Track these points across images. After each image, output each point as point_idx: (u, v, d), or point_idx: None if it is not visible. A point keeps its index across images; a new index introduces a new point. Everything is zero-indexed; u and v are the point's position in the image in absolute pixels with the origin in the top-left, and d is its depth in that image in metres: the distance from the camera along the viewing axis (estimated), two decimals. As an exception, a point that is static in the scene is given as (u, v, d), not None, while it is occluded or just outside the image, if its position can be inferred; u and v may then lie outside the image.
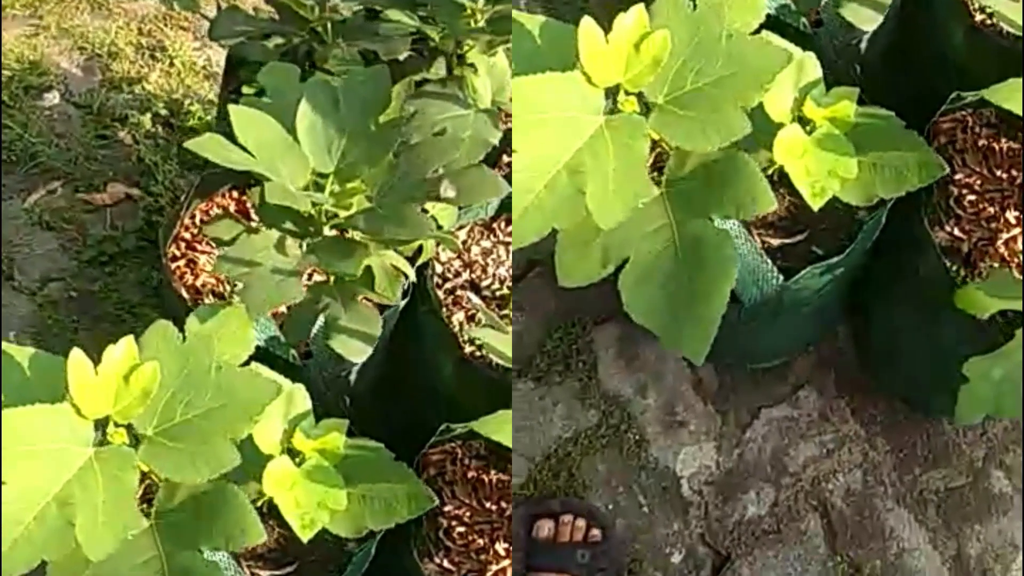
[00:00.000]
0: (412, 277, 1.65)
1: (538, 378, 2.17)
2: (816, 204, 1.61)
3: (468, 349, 1.90)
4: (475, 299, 1.91)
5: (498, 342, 1.73)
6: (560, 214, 1.54)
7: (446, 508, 1.86)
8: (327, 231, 1.58)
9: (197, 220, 2.09)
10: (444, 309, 1.91)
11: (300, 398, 1.55)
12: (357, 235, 1.56)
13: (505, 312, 1.94)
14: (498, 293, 1.97)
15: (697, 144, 1.53)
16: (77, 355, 1.37)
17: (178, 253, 2.01)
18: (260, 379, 1.42)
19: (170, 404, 1.39)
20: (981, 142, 1.95)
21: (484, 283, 1.99)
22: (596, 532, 2.01)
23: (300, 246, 1.58)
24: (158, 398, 1.40)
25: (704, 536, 2.07)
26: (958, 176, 1.94)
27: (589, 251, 1.56)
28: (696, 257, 1.55)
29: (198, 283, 2.00)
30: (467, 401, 1.89)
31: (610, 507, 2.08)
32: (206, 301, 1.99)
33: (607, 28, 1.58)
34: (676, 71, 1.57)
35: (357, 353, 1.56)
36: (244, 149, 1.53)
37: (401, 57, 1.97)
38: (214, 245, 2.05)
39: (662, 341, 1.60)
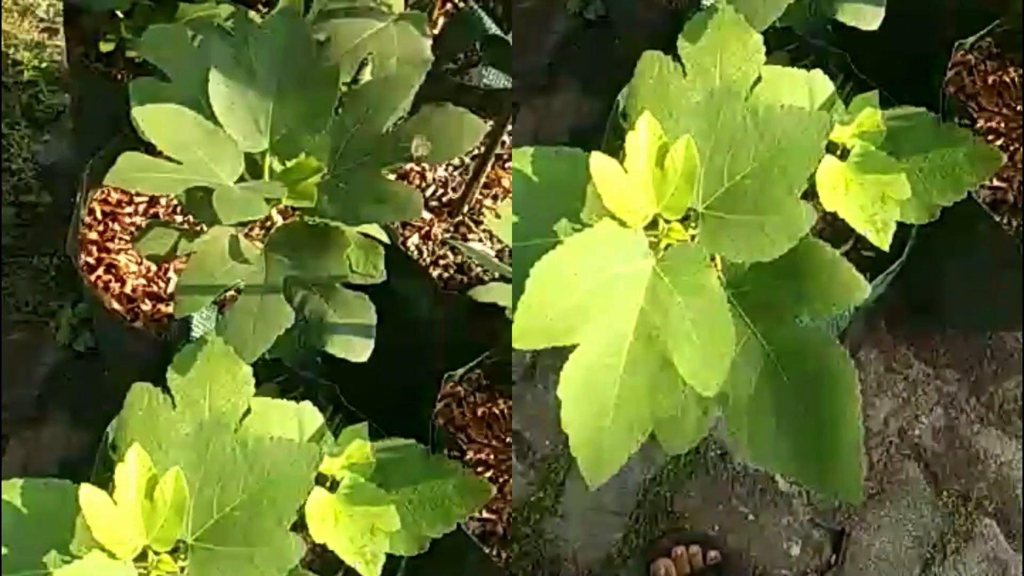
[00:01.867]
0: (386, 239, 1.41)
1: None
2: (884, 242, 1.38)
3: (437, 273, 1.70)
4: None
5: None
6: (658, 398, 1.26)
7: (467, 456, 1.69)
8: (277, 218, 1.33)
9: (99, 214, 1.82)
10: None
11: (310, 415, 1.33)
12: (315, 219, 1.31)
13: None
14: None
15: (764, 251, 1.23)
16: (89, 492, 1.11)
17: (92, 261, 1.74)
18: (294, 446, 1.18)
19: (200, 502, 1.15)
20: (991, 79, 1.77)
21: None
22: (713, 553, 1.95)
23: (256, 245, 1.34)
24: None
25: (814, 520, 2.03)
26: (979, 123, 1.75)
27: (686, 416, 1.28)
28: (803, 376, 1.28)
29: (127, 289, 1.75)
30: (456, 337, 1.70)
31: (717, 527, 2.02)
32: (143, 309, 1.75)
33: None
34: (705, 171, 1.29)
35: (360, 351, 1.33)
36: (169, 158, 1.26)
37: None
38: (129, 238, 1.80)
39: (806, 484, 1.38)
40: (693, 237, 1.29)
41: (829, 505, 2.03)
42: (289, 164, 1.34)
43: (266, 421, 1.26)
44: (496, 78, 1.94)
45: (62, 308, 2.26)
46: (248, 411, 1.26)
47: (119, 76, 1.94)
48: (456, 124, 1.30)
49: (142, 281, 1.75)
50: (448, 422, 1.73)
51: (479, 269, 1.92)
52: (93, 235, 1.78)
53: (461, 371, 1.72)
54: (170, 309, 1.73)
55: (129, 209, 1.83)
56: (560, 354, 1.30)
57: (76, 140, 2.25)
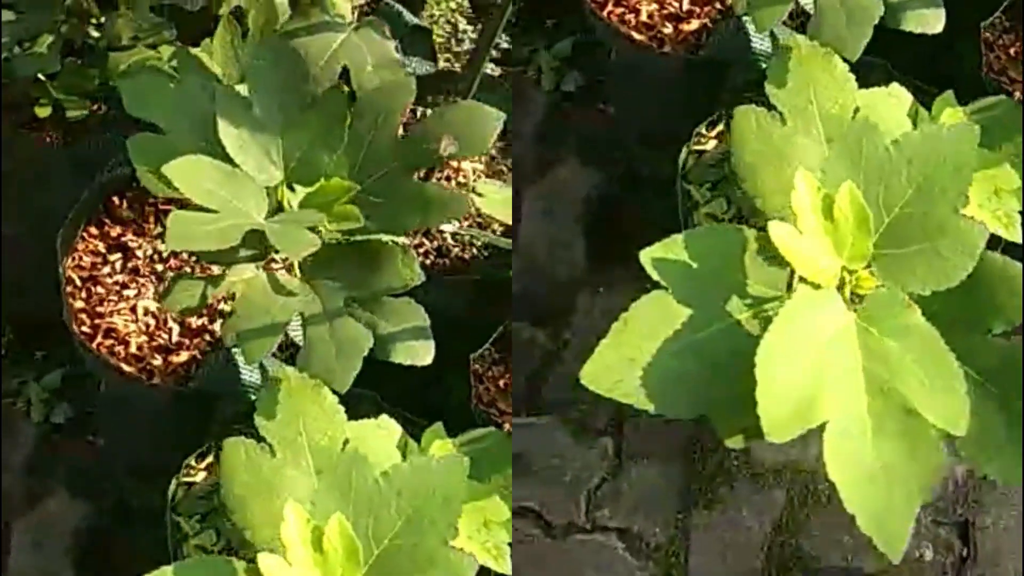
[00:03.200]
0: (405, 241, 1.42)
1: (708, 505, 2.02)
2: (1016, 234, 1.39)
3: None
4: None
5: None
6: (917, 457, 1.24)
7: (506, 427, 1.73)
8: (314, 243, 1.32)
9: (77, 280, 1.77)
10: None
11: (392, 428, 1.34)
12: (354, 236, 1.31)
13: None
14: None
15: (948, 275, 1.24)
16: (267, 559, 1.10)
17: (88, 330, 1.70)
18: (441, 463, 1.18)
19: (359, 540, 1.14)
20: (1013, 51, 1.81)
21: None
22: None
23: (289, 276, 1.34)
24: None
25: (936, 520, 1.99)
26: (1016, 96, 1.75)
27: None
28: (1010, 385, 1.28)
29: (133, 350, 1.71)
30: (463, 320, 1.72)
31: (850, 558, 1.97)
32: (155, 364, 1.72)
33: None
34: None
35: (424, 354, 1.34)
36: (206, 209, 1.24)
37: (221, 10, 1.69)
38: (117, 298, 1.77)
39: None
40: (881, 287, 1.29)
41: (946, 501, 2.01)
42: (310, 189, 1.34)
43: (365, 444, 1.27)
44: (420, 65, 1.96)
45: (24, 385, 2.21)
46: (346, 440, 1.26)
47: (50, 140, 1.90)
48: (477, 118, 1.31)
49: (144, 338, 1.73)
50: (477, 401, 1.76)
51: (457, 250, 1.94)
52: (79, 303, 1.74)
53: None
54: (182, 358, 1.72)
55: (107, 269, 1.79)
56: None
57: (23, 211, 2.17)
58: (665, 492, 1.98)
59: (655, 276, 1.33)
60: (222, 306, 1.71)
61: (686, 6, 1.91)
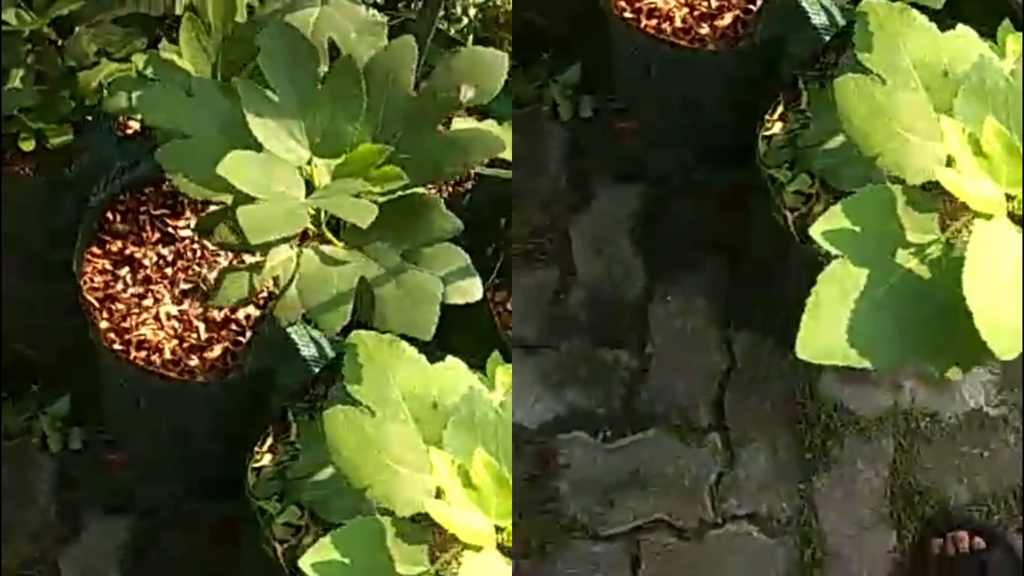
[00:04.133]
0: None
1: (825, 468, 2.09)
2: None
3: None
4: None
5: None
6: None
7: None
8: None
9: (94, 301, 1.79)
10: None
11: (457, 366, 1.41)
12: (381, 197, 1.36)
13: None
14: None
15: None
16: (434, 505, 1.15)
17: (120, 347, 1.73)
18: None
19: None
20: None
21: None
22: (978, 540, 1.98)
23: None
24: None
25: None
26: None
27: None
28: None
29: (167, 355, 1.75)
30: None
31: (961, 479, 2.07)
32: (193, 364, 1.75)
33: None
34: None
35: (475, 290, 1.39)
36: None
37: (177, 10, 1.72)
38: (139, 310, 1.79)
39: None
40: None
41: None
42: (339, 161, 1.39)
43: (446, 385, 1.34)
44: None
45: (32, 419, 2.22)
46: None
47: (24, 171, 1.91)
48: (483, 62, 1.37)
49: (175, 342, 1.77)
50: (502, 327, 1.84)
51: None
52: (104, 323, 1.77)
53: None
54: (216, 353, 1.76)
55: (120, 285, 1.82)
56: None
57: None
58: (782, 468, 2.05)
59: (827, 247, 1.42)
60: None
61: (715, 3, 1.97)
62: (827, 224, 1.41)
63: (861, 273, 1.41)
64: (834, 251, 1.42)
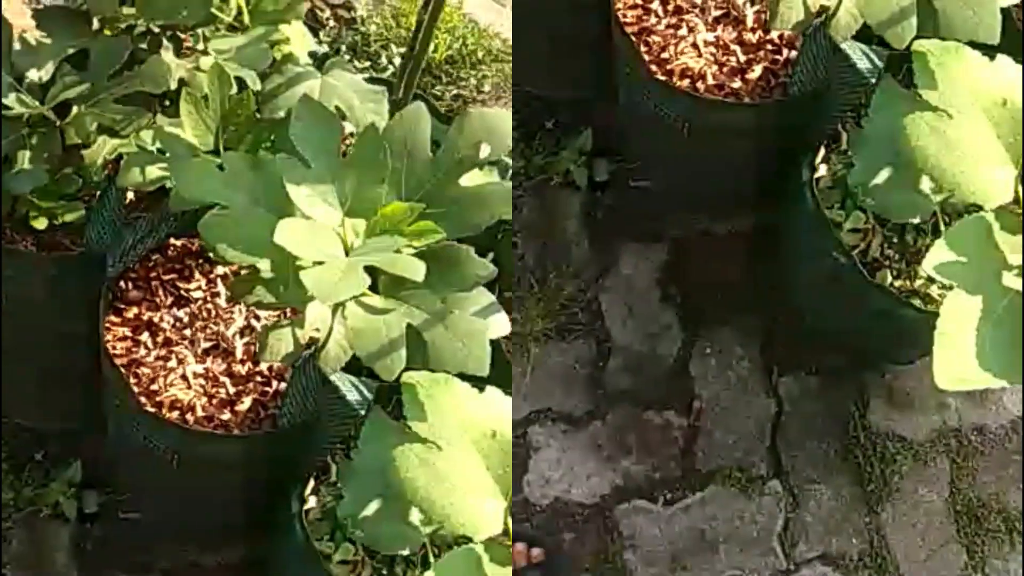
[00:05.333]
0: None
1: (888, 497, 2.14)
2: None
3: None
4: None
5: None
6: None
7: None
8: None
9: (120, 368, 1.85)
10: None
11: (496, 395, 1.53)
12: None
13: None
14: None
15: None
16: None
17: (153, 409, 1.79)
18: None
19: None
20: None
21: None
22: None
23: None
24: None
25: None
26: None
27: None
28: None
29: (200, 413, 1.82)
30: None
31: (1019, 485, 2.12)
32: (225, 419, 1.82)
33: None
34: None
35: (504, 325, 1.52)
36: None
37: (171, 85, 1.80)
38: (165, 372, 1.85)
39: None
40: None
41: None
42: (374, 219, 1.50)
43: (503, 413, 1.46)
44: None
45: (43, 489, 2.25)
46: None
47: (27, 246, 1.95)
48: (492, 121, 1.51)
49: (206, 399, 1.84)
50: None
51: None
52: (136, 388, 1.83)
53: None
54: (247, 405, 1.84)
55: (143, 350, 1.89)
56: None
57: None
58: (845, 504, 2.11)
59: (942, 279, 1.55)
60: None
61: (742, 57, 2.04)
62: (936, 258, 1.54)
63: (976, 300, 1.54)
64: (948, 282, 1.55)
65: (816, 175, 1.96)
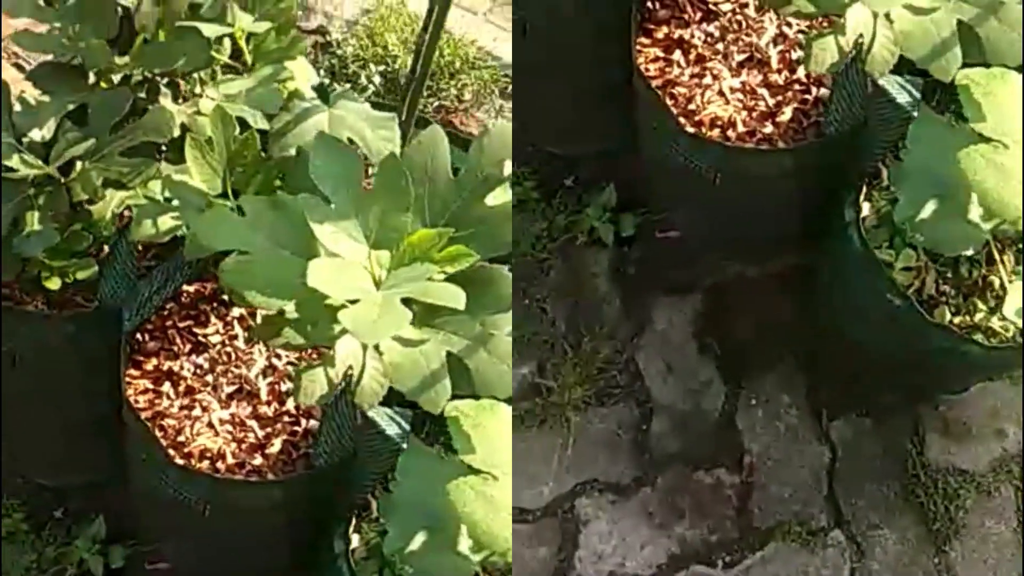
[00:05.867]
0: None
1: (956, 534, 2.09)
2: None
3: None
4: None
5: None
6: None
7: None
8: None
9: (145, 422, 1.83)
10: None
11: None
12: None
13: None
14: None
15: None
16: None
17: (183, 461, 1.76)
18: None
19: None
20: None
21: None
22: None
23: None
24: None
25: None
26: None
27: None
28: None
29: (230, 460, 1.79)
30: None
31: None
32: (257, 463, 1.80)
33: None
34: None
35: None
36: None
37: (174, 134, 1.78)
38: (191, 422, 1.83)
39: None
40: None
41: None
42: (400, 250, 1.48)
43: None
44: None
45: (65, 548, 2.22)
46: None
47: (37, 306, 1.93)
48: (499, 135, 1.51)
49: (234, 446, 1.82)
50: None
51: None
52: (163, 440, 1.81)
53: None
54: (277, 447, 1.82)
55: (166, 401, 1.86)
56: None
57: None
58: (912, 547, 2.07)
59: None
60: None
61: (771, 100, 2.01)
62: (1015, 302, 1.59)
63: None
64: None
65: (862, 214, 1.89)
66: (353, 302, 1.39)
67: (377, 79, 2.58)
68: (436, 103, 2.65)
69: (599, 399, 2.08)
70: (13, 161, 1.75)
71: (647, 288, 2.19)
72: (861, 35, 1.71)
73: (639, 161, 2.14)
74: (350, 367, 1.57)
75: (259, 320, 1.74)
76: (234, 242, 1.48)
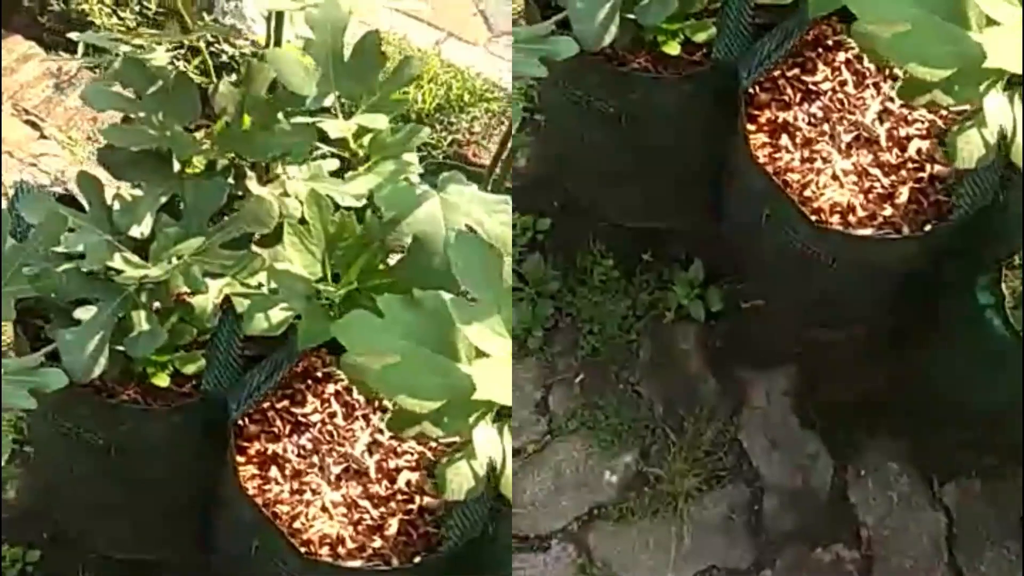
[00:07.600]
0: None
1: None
2: None
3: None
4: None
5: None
6: None
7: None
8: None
9: (252, 487, 1.81)
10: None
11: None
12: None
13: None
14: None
15: None
16: None
17: (295, 539, 1.75)
18: None
19: None
20: None
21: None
22: None
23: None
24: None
25: None
26: None
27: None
28: None
29: (350, 544, 1.78)
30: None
31: None
32: (374, 546, 1.80)
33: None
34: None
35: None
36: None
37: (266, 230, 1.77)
38: (300, 488, 1.82)
39: None
40: None
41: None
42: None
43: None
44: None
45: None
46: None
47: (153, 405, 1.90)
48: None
49: (351, 529, 1.81)
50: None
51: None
52: (285, 517, 1.80)
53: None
54: (394, 528, 1.81)
55: (276, 488, 1.85)
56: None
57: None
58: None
59: None
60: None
61: (885, 181, 1.96)
62: None
63: None
64: None
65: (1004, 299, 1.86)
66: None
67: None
68: (449, 138, 2.67)
69: (708, 483, 2.08)
70: (116, 262, 1.73)
71: (740, 363, 2.19)
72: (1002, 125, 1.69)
73: (721, 235, 2.15)
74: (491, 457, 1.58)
75: (390, 414, 1.73)
76: (372, 343, 1.48)
